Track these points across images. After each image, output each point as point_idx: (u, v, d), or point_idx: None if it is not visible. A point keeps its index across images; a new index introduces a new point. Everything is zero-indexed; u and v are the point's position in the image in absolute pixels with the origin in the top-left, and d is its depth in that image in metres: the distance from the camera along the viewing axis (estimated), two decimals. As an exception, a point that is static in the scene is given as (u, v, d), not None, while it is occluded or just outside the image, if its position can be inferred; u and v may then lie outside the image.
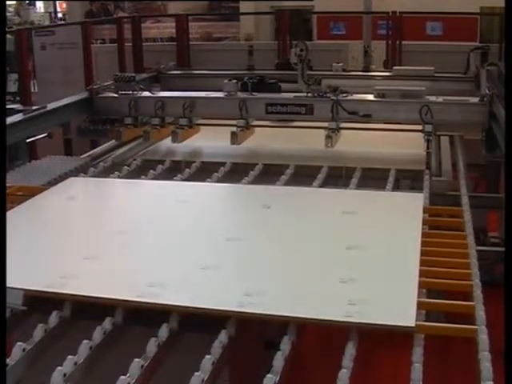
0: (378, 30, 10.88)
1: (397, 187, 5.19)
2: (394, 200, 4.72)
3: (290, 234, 3.99)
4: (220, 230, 4.09)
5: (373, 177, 5.41)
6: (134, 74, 7.15)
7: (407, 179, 5.39)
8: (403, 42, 10.09)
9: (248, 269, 3.50)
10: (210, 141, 6.44)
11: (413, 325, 2.83)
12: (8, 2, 26.49)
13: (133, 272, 3.43)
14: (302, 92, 6.33)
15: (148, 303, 3.06)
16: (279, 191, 4.94)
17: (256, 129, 6.43)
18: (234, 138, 6.08)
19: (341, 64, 8.45)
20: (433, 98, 6.01)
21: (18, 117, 5.90)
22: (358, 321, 2.87)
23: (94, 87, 6.80)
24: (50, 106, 6.35)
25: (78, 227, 4.25)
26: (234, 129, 6.16)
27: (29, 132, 6.06)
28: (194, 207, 4.55)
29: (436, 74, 7.95)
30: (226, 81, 6.52)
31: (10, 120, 5.73)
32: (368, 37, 9.79)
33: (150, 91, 6.74)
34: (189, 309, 3.02)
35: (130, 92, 6.67)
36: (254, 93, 6.39)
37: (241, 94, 6.41)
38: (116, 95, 6.74)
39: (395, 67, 8.76)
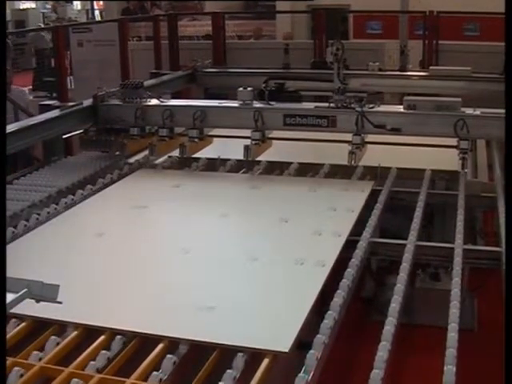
0: (415, 29, 10.80)
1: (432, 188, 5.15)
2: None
3: None
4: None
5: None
6: (141, 80, 6.42)
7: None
8: (440, 42, 10.03)
9: None
10: (221, 154, 5.81)
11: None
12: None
13: None
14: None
15: None
16: None
17: (273, 142, 5.90)
18: (248, 153, 5.57)
19: (377, 63, 8.43)
20: (469, 111, 5.44)
21: (55, 113, 5.93)
22: None
23: (99, 94, 6.16)
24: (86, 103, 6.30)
25: None
26: (248, 142, 5.66)
27: (65, 128, 6.03)
28: None
29: (473, 74, 7.89)
30: (240, 89, 5.92)
31: (46, 116, 5.79)
32: (404, 36, 9.75)
33: (158, 99, 6.23)
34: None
35: (138, 99, 6.11)
36: (271, 102, 5.78)
37: (257, 104, 5.82)
38: (121, 103, 6.17)
39: (432, 67, 8.72)
